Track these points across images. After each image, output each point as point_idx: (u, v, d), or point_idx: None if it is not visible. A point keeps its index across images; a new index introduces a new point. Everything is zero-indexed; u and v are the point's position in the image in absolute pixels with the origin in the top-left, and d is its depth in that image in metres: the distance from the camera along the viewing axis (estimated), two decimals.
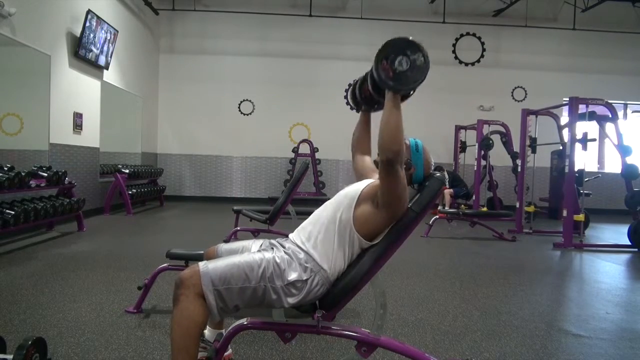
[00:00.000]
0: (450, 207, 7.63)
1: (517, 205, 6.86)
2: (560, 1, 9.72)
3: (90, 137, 6.80)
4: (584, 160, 5.87)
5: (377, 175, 1.75)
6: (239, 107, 9.89)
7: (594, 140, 5.86)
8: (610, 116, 5.89)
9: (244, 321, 1.68)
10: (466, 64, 9.99)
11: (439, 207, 6.86)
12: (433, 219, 6.15)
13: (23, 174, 4.42)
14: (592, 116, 5.77)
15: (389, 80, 1.55)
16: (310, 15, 9.02)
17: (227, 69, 9.83)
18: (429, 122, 9.40)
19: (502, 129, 8.50)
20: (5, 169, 4.52)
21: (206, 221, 6.99)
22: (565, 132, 6.39)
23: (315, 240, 1.68)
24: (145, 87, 9.04)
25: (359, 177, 2.04)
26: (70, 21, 6.12)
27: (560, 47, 10.01)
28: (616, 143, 5.83)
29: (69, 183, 5.38)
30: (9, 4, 4.76)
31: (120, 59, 7.76)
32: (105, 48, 6.88)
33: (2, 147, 5.47)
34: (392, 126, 1.55)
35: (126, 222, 6.52)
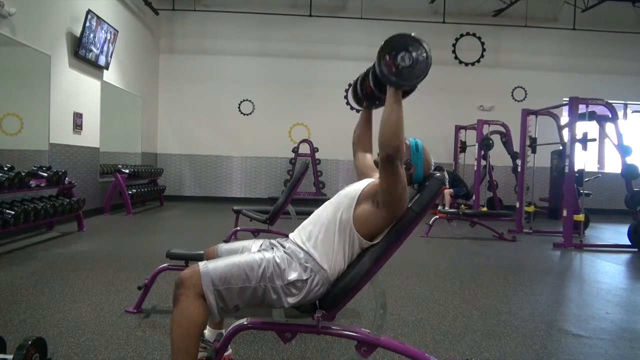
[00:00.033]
0: (450, 207, 7.63)
1: (517, 205, 6.86)
2: (560, 1, 9.72)
3: (90, 137, 6.80)
4: (584, 160, 5.87)
5: (377, 175, 1.75)
6: (239, 107, 9.89)
7: (594, 140, 5.86)
8: (610, 116, 5.89)
9: (244, 321, 1.68)
10: (466, 64, 9.99)
11: (439, 207, 6.86)
12: (433, 219, 6.15)
13: (23, 174, 4.42)
14: (592, 116, 5.77)
15: (391, 75, 1.56)
16: (310, 15, 9.02)
17: (227, 69, 9.83)
18: (429, 122, 9.40)
19: (502, 129, 8.50)
20: (5, 169, 4.52)
21: (206, 221, 6.99)
22: (565, 132, 6.39)
23: (316, 240, 1.69)
24: (145, 87, 9.04)
25: (360, 175, 2.04)
26: (70, 21, 6.12)
27: (560, 47, 10.01)
28: (616, 143, 5.83)
29: (69, 183, 5.38)
30: (9, 4, 4.76)
31: (120, 59, 7.77)
32: (105, 48, 6.88)
33: (2, 147, 5.47)
34: (393, 122, 1.55)
35: (126, 222, 6.52)
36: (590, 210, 7.17)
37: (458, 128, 9.55)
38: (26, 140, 5.78)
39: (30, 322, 2.46)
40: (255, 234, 4.07)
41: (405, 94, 1.66)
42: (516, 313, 2.93)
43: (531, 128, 6.96)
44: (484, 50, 9.96)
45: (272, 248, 1.73)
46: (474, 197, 8.21)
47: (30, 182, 4.65)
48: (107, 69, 7.15)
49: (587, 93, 6.25)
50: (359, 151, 2.11)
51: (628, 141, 5.85)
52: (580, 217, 5.68)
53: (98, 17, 6.51)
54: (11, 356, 1.67)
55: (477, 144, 8.21)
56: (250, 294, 1.58)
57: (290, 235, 1.80)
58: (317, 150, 9.50)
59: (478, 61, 9.97)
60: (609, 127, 5.94)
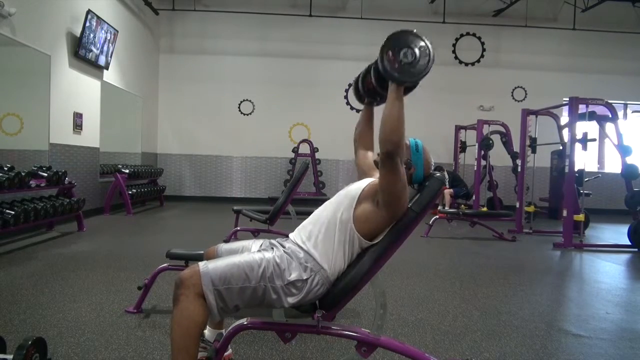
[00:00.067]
0: (450, 207, 7.63)
1: (517, 205, 6.86)
2: (560, 1, 9.72)
3: (90, 137, 6.80)
4: (584, 160, 5.87)
5: (378, 174, 1.75)
6: (239, 107, 9.89)
7: (594, 140, 5.86)
8: (610, 116, 5.89)
9: (244, 321, 1.68)
10: (466, 64, 9.99)
11: (439, 207, 6.86)
12: (433, 219, 6.15)
13: (23, 174, 4.42)
14: (592, 116, 5.77)
15: (394, 71, 1.56)
16: (310, 15, 9.02)
17: (227, 69, 9.83)
18: (429, 122, 9.40)
19: (502, 129, 8.50)
20: (5, 169, 4.52)
21: (206, 221, 6.99)
22: (565, 132, 6.39)
23: (316, 240, 1.69)
24: (145, 87, 9.04)
25: (361, 173, 2.04)
26: (70, 21, 6.12)
27: (560, 47, 10.01)
28: (616, 143, 5.83)
29: (69, 183, 5.38)
30: (9, 4, 4.76)
31: (120, 59, 7.77)
32: (105, 48, 6.88)
33: (2, 147, 5.47)
34: (394, 118, 1.56)
35: (126, 222, 6.52)
36: (590, 210, 7.17)
37: (458, 128, 9.55)
38: (26, 140, 5.78)
39: (30, 322, 2.46)
40: (255, 234, 4.07)
41: (407, 90, 1.66)
42: (516, 313, 2.93)
43: (531, 128, 6.96)
44: (484, 50, 9.96)
45: (272, 248, 1.73)
46: (474, 197, 8.21)
47: (30, 182, 4.65)
48: (107, 69, 7.15)
49: (587, 93, 6.25)
50: (360, 149, 2.11)
51: (628, 141, 5.85)
52: (580, 217, 5.68)
53: (98, 17, 6.51)
54: (11, 356, 1.67)
55: (477, 144, 8.21)
56: (250, 293, 1.58)
57: (290, 235, 1.80)
58: (317, 150, 9.50)
59: (478, 61, 9.97)
60: (609, 127, 5.94)
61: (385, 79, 1.63)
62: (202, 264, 1.58)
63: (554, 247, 5.56)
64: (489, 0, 9.68)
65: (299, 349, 2.23)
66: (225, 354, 1.88)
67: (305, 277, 1.62)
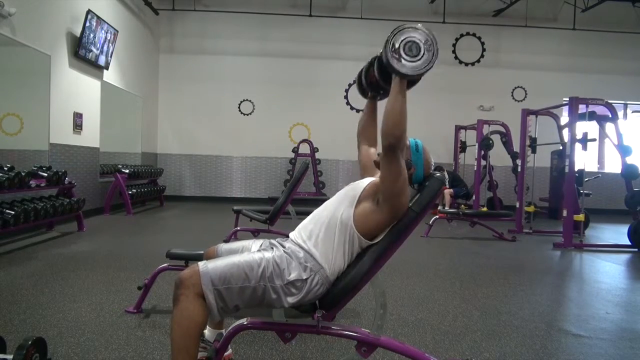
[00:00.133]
0: (450, 207, 7.63)
1: (517, 205, 6.86)
2: (560, 1, 9.72)
3: (90, 137, 6.80)
4: (584, 160, 5.87)
5: (379, 174, 1.75)
6: (239, 107, 9.89)
7: (594, 140, 5.86)
8: (610, 116, 5.89)
9: (244, 321, 1.68)
10: (466, 64, 9.99)
11: (439, 207, 6.86)
12: (433, 219, 6.15)
13: (23, 174, 4.42)
14: (592, 116, 5.77)
15: (397, 65, 1.57)
16: (310, 15, 9.02)
17: (227, 69, 9.83)
18: (429, 122, 9.40)
19: (502, 129, 8.50)
20: (5, 169, 4.52)
21: (206, 221, 6.99)
22: (565, 132, 6.39)
23: (317, 239, 1.68)
24: (145, 87, 9.04)
25: (363, 169, 2.04)
26: (70, 21, 6.12)
27: (560, 47, 10.01)
28: (616, 143, 5.83)
29: (69, 183, 5.38)
30: (9, 4, 4.76)
31: (120, 59, 7.77)
32: (105, 48, 6.88)
33: (2, 147, 5.47)
34: (396, 111, 1.56)
35: (126, 222, 6.52)
36: (590, 210, 7.17)
37: (458, 128, 9.55)
38: (26, 140, 5.78)
39: (30, 322, 2.46)
40: (255, 234, 4.07)
41: (410, 84, 1.66)
42: (516, 313, 2.93)
43: (531, 128, 6.96)
44: (484, 50, 9.96)
45: (272, 248, 1.73)
46: (474, 197, 8.21)
47: (30, 182, 4.64)
48: (107, 69, 7.15)
49: (587, 93, 6.25)
50: (363, 144, 2.10)
51: (628, 141, 5.85)
52: (580, 217, 5.68)
53: (98, 17, 6.51)
54: (11, 356, 1.67)
55: (477, 144, 8.21)
56: (250, 293, 1.58)
57: (291, 235, 1.80)
58: (317, 150, 9.49)
59: (478, 61, 9.97)
60: (609, 127, 5.94)
61: (389, 73, 1.64)
62: (201, 264, 1.58)
63: (554, 247, 5.56)
64: (489, 0, 9.68)
65: (299, 349, 2.23)
66: (225, 354, 1.88)
67: (304, 277, 1.62)
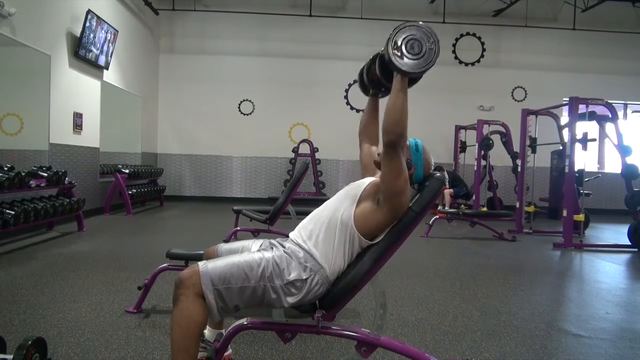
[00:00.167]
0: (450, 207, 7.63)
1: (517, 205, 6.86)
2: (560, 1, 9.72)
3: (90, 137, 6.80)
4: (584, 160, 5.87)
5: (379, 174, 1.75)
6: (239, 107, 9.89)
7: (594, 140, 5.86)
8: (610, 116, 5.89)
9: (244, 321, 1.68)
10: (466, 64, 9.99)
11: (439, 207, 6.86)
12: (433, 219, 6.15)
13: (23, 174, 4.42)
14: (592, 116, 5.77)
15: (399, 62, 1.57)
16: (310, 15, 9.02)
17: (227, 69, 9.83)
18: (429, 122, 9.39)
19: (502, 129, 8.50)
20: (5, 169, 4.52)
21: (206, 221, 6.99)
22: (565, 132, 6.39)
23: (317, 239, 1.68)
24: (145, 87, 9.04)
25: (364, 168, 2.04)
26: (70, 21, 6.12)
27: (560, 47, 10.01)
28: (616, 143, 5.83)
29: (69, 183, 5.38)
30: (9, 4, 4.76)
31: (120, 59, 7.77)
32: (105, 48, 6.88)
33: (2, 147, 5.47)
34: (397, 109, 1.57)
35: (126, 222, 6.52)
36: (590, 210, 7.17)
37: (458, 128, 9.55)
38: (26, 140, 5.78)
39: (30, 322, 2.46)
40: (255, 234, 4.07)
41: (411, 82, 1.66)
42: (516, 313, 2.93)
43: (531, 128, 6.96)
44: (484, 50, 9.96)
45: (272, 248, 1.73)
46: (474, 197, 8.21)
47: (30, 182, 4.65)
48: (107, 69, 7.15)
49: (587, 93, 6.25)
50: (365, 142, 2.10)
51: (628, 141, 5.85)
52: (580, 217, 5.68)
53: (98, 17, 6.51)
54: (11, 356, 1.67)
55: (477, 144, 8.21)
56: (250, 293, 1.58)
57: (291, 235, 1.79)
58: (317, 150, 9.49)
59: (478, 61, 9.97)
60: (609, 127, 5.94)
61: (390, 70, 1.65)
62: (201, 264, 1.58)
63: (554, 247, 5.56)
64: (489, 0, 9.68)
65: (299, 349, 2.23)
66: (225, 354, 1.88)
67: (304, 277, 1.62)
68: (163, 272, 2.73)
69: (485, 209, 7.95)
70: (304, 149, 9.43)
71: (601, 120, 5.95)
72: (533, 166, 7.10)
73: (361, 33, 9.44)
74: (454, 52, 9.94)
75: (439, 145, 9.70)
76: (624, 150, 5.77)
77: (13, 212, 4.20)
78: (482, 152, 8.17)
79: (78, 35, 6.20)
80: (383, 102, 1.88)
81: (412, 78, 1.63)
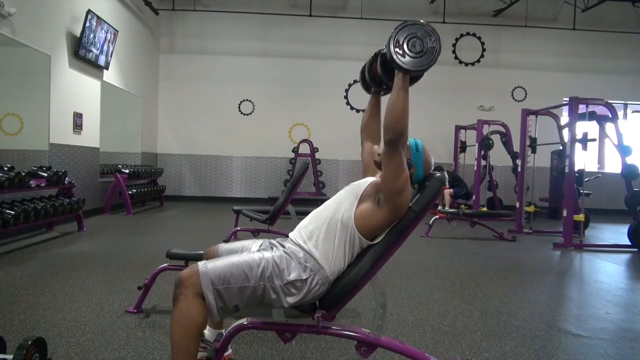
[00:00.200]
0: (450, 207, 7.63)
1: (517, 205, 6.86)
2: (560, 1, 9.72)
3: (90, 137, 6.80)
4: (584, 160, 5.87)
5: (379, 174, 1.75)
6: (239, 107, 9.89)
7: (594, 140, 5.86)
8: (610, 116, 5.89)
9: (244, 321, 1.68)
10: (466, 64, 9.98)
11: (439, 207, 6.86)
12: (433, 219, 6.15)
13: (23, 174, 4.42)
14: (592, 116, 5.77)
15: (400, 60, 1.58)
16: (310, 15, 9.02)
17: (227, 69, 9.83)
18: (429, 122, 9.40)
19: (502, 129, 8.50)
20: (5, 169, 4.52)
21: (206, 221, 6.99)
22: (565, 132, 6.39)
23: (317, 239, 1.68)
24: (145, 87, 9.04)
25: (365, 167, 2.04)
26: (70, 21, 6.12)
27: (560, 47, 10.01)
28: (616, 143, 5.83)
29: (69, 183, 5.38)
30: (9, 4, 4.76)
31: (120, 59, 7.77)
32: (105, 48, 6.88)
33: (2, 147, 5.48)
34: (398, 107, 1.57)
35: (126, 222, 6.52)
36: (590, 210, 7.17)
37: (458, 128, 9.55)
38: (26, 140, 5.78)
39: (30, 322, 2.46)
40: (255, 234, 4.07)
41: (413, 80, 1.66)
42: (516, 313, 2.93)
43: (531, 128, 6.96)
44: (484, 50, 9.95)
45: (272, 248, 1.73)
46: (474, 197, 8.21)
47: (30, 182, 4.65)
48: (107, 69, 7.15)
49: (587, 93, 6.25)
50: (366, 140, 2.10)
51: (628, 141, 5.85)
52: (580, 217, 5.68)
53: (98, 17, 6.51)
54: (11, 356, 1.67)
55: (477, 144, 8.21)
56: (250, 293, 1.58)
57: (291, 235, 1.79)
58: (317, 150, 9.49)
59: (478, 61, 9.96)
60: (609, 127, 5.94)
61: (392, 68, 1.65)
62: (201, 264, 1.58)
63: (554, 247, 5.56)
64: (489, 0, 9.68)
65: (299, 349, 2.23)
66: (225, 354, 1.88)
67: (304, 277, 1.62)
68: (163, 272, 2.73)
69: (485, 209, 7.95)
70: (304, 149, 9.43)
71: (601, 120, 5.94)
72: (533, 166, 7.10)
73: (361, 33, 9.44)
74: (454, 52, 9.93)
75: (439, 145, 9.70)
76: (624, 150, 5.77)
77: (13, 212, 4.20)
78: (482, 152, 8.17)
79: (78, 35, 6.20)
80: (384, 100, 1.88)
81: (413, 76, 1.64)
